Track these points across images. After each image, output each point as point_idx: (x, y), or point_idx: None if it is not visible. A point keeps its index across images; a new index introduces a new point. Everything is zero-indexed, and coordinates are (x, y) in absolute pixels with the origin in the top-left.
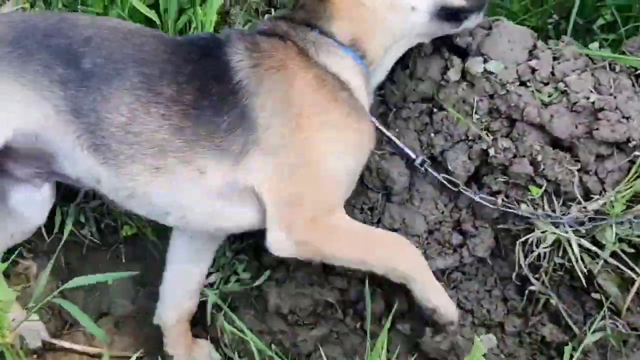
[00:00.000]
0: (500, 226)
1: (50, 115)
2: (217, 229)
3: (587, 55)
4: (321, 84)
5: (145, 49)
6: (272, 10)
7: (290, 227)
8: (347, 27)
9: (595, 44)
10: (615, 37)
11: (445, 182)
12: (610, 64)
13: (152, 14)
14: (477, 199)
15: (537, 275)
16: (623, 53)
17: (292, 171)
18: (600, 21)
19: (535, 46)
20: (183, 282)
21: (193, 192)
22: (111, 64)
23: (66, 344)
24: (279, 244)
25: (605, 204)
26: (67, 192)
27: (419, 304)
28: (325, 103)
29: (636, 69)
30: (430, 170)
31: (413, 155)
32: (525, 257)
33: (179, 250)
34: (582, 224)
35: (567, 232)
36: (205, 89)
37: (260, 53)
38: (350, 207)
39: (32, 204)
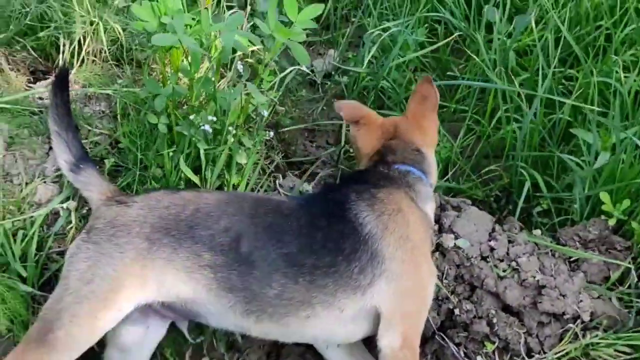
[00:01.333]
0: None
1: (202, 292)
2: (349, 342)
3: (534, 242)
4: (422, 223)
5: (278, 229)
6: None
7: (400, 338)
8: (434, 173)
9: (538, 231)
10: (550, 222)
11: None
12: (551, 251)
13: (195, 178)
14: None
15: None
16: (559, 241)
17: (408, 293)
18: (539, 208)
19: (494, 229)
20: None
21: (336, 326)
22: (254, 252)
23: None
24: (392, 349)
25: None
26: None
27: None
28: (424, 238)
29: (570, 257)
30: None
31: None
32: None
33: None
34: None
35: None
36: (338, 248)
37: (381, 204)
38: None
39: (142, 344)
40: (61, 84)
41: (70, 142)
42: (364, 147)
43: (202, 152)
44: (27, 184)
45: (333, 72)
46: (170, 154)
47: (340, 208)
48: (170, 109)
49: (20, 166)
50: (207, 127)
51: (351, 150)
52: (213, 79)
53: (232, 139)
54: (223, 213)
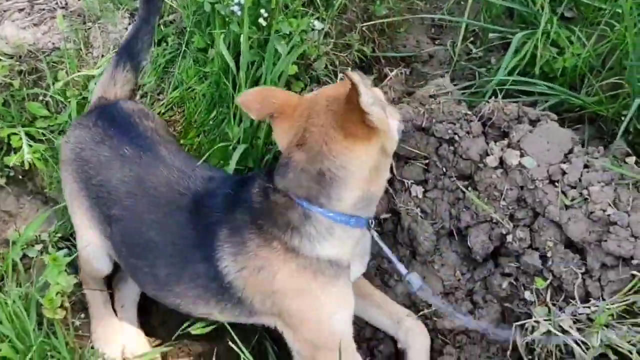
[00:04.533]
0: (506, 304)
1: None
2: None
3: (619, 171)
4: (302, 272)
5: (160, 247)
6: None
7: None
8: (357, 197)
9: (633, 158)
10: None
11: None
12: (635, 184)
13: (231, 62)
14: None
15: (530, 357)
16: None
17: (296, 329)
18: None
19: (571, 150)
20: None
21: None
22: (130, 259)
23: None
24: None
25: (596, 311)
26: None
27: None
28: (305, 286)
29: None
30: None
31: (403, 271)
32: (523, 337)
33: None
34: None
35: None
36: (206, 286)
37: (245, 256)
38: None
39: None
40: None
41: (134, 27)
42: (283, 149)
43: (242, 36)
44: (103, 56)
45: None
46: (222, 35)
47: (214, 241)
48: None
49: (100, 39)
50: (234, 9)
51: None
52: None
53: (265, 22)
54: (119, 201)
